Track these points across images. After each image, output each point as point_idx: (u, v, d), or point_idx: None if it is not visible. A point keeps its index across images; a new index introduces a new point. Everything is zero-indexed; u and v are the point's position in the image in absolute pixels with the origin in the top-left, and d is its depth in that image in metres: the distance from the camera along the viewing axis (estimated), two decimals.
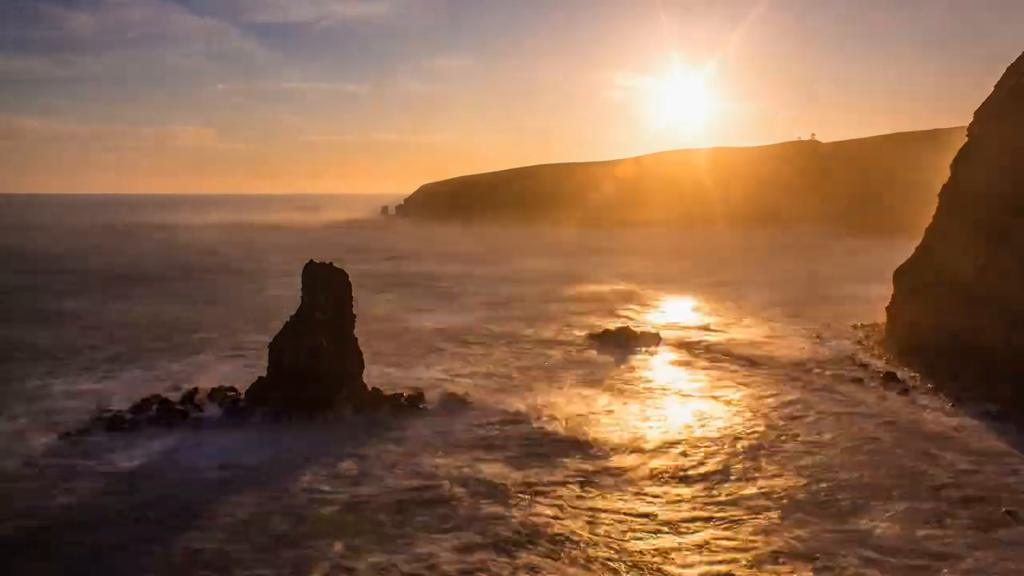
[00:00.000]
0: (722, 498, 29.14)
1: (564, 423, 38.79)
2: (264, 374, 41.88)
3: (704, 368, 51.25)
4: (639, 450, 34.76)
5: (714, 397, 43.64)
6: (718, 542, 25.57)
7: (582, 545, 25.46)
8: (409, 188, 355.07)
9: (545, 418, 39.56)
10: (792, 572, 23.62)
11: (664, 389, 45.61)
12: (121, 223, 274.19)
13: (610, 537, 26.05)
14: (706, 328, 65.62)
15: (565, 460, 33.45)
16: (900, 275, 56.92)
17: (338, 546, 25.45)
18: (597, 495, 29.62)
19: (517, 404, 42.16)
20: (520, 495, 29.57)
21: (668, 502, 28.87)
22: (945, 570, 23.71)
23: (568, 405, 42.09)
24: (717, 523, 26.97)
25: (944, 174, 56.58)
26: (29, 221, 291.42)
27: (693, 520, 27.22)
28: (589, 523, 27.12)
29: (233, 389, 43.04)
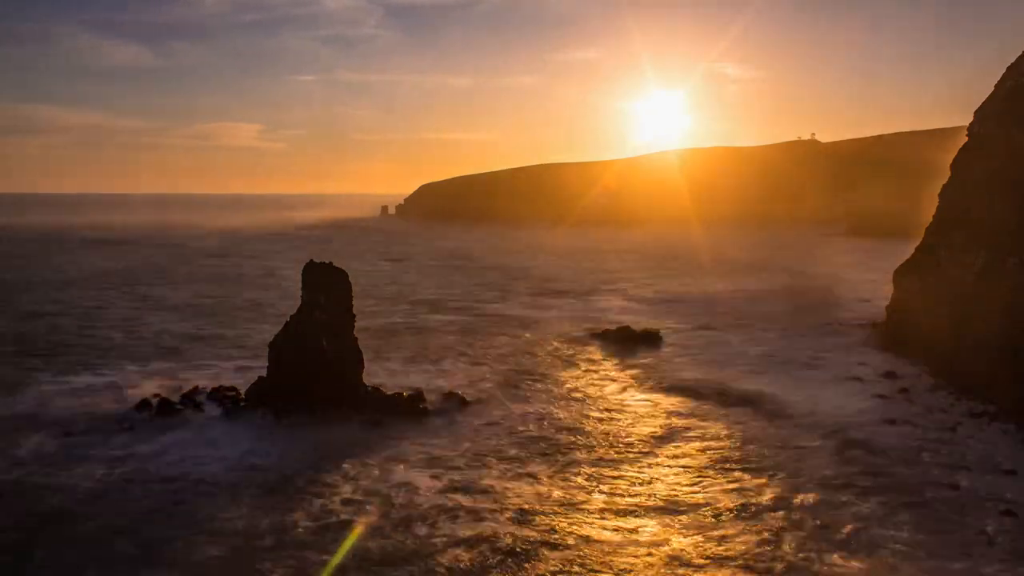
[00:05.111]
0: (720, 479, 29.25)
1: (565, 422, 38.81)
2: (264, 374, 41.94)
3: (704, 367, 51.20)
4: (645, 445, 34.83)
5: (714, 395, 43.61)
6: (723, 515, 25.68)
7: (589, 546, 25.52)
8: None
9: (546, 417, 39.59)
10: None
11: (664, 388, 45.59)
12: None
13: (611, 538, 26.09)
14: (705, 327, 65.62)
15: (565, 460, 33.53)
16: (900, 275, 56.94)
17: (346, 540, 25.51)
18: (598, 492, 29.71)
19: (517, 403, 42.21)
20: (521, 496, 29.62)
21: (687, 492, 28.93)
22: (941, 571, 23.73)
23: (569, 403, 42.12)
24: (720, 499, 27.11)
25: (944, 174, 56.56)
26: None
27: (704, 504, 27.33)
28: (598, 522, 27.18)
29: (233, 389, 43.09)
